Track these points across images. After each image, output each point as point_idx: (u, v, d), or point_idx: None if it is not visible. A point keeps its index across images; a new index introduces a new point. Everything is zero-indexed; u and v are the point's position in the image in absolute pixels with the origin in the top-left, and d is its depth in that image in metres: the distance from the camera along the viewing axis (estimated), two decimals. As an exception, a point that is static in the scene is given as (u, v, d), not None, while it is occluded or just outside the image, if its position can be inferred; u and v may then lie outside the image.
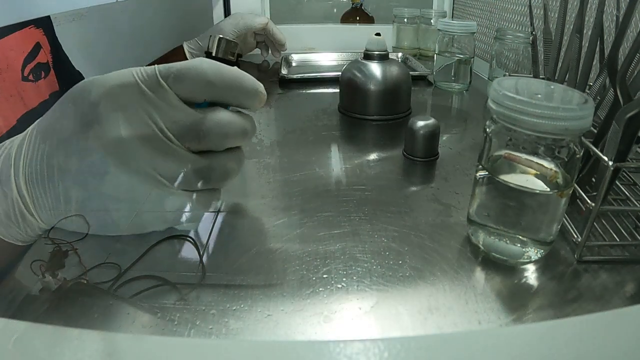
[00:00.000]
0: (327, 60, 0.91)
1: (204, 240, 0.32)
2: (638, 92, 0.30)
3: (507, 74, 0.62)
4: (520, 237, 0.29)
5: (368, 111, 0.57)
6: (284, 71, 0.76)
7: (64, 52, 0.57)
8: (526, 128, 0.25)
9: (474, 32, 0.68)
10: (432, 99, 0.69)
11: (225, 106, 0.31)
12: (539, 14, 0.66)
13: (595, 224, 0.29)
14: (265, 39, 0.88)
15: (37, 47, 0.50)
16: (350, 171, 0.43)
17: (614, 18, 0.40)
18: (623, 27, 0.28)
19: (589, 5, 0.40)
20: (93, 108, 0.28)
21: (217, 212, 0.35)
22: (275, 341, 0.22)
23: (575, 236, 0.30)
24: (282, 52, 0.89)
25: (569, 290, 0.27)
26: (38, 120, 0.30)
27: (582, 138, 0.28)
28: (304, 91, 0.71)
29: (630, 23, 0.38)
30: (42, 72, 0.50)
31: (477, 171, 0.30)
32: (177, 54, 0.77)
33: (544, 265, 0.29)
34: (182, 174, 0.29)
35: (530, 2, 0.57)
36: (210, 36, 0.34)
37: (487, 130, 0.29)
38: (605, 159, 0.27)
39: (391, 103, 0.57)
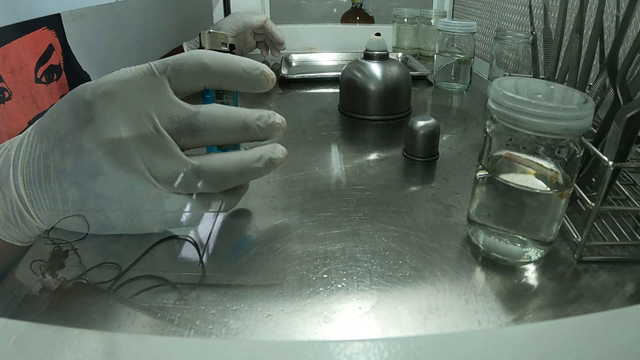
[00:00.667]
0: (327, 60, 0.91)
1: (204, 240, 0.32)
2: (638, 92, 0.30)
3: (507, 74, 0.62)
4: (520, 237, 0.29)
5: (368, 111, 0.57)
6: (284, 71, 0.76)
7: (73, 54, 0.57)
8: (526, 128, 0.25)
9: (474, 32, 0.68)
10: (432, 99, 0.69)
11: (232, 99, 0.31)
12: (539, 14, 0.66)
13: (595, 224, 0.29)
14: (264, 38, 0.88)
15: (50, 49, 0.50)
16: (350, 171, 0.43)
17: (614, 18, 0.40)
18: (623, 27, 0.28)
19: (589, 5, 0.40)
20: (88, 107, 0.28)
21: (217, 212, 0.35)
22: (275, 341, 0.22)
23: (575, 236, 0.30)
24: (281, 50, 0.89)
25: (569, 290, 0.27)
26: (37, 120, 0.30)
27: (582, 138, 0.28)
28: (304, 91, 0.71)
29: (630, 23, 0.38)
30: (55, 74, 0.51)
31: (477, 171, 0.30)
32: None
33: (544, 265, 0.29)
34: (174, 174, 0.29)
35: (530, 2, 0.57)
36: (200, 33, 0.34)
37: (487, 130, 0.29)
38: (605, 159, 0.27)
39: (391, 103, 0.57)
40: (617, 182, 0.34)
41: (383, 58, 0.57)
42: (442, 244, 0.31)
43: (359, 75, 0.57)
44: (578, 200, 0.31)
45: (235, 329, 0.24)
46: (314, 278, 0.28)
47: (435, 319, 0.25)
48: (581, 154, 0.27)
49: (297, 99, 0.68)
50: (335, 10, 1.33)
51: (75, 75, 0.56)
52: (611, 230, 0.31)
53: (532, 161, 0.27)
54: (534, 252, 0.29)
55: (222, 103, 0.32)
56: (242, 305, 0.26)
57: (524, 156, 0.27)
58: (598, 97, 0.35)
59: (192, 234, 0.32)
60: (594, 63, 0.35)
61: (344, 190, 0.39)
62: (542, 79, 0.44)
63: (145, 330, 0.24)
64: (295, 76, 0.74)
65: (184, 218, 0.32)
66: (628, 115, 0.27)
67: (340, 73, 0.60)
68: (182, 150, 0.29)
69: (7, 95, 0.42)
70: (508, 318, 0.25)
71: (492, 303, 0.26)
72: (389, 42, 0.88)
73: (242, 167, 0.30)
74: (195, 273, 0.28)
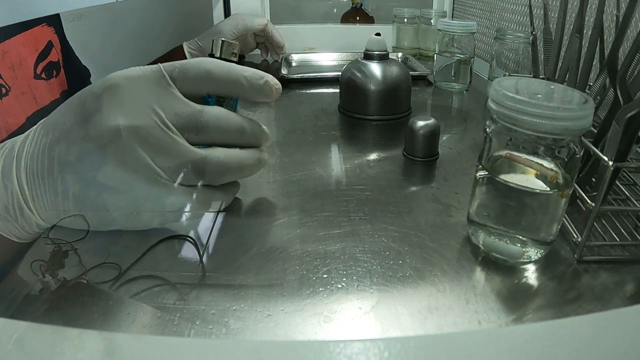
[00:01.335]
0: (327, 60, 0.91)
1: (204, 240, 0.32)
2: (638, 92, 0.30)
3: (507, 74, 0.62)
4: (520, 237, 0.29)
5: (368, 111, 0.57)
6: (284, 71, 0.76)
7: (72, 51, 0.57)
8: (526, 128, 0.25)
9: (474, 32, 0.68)
10: (432, 99, 0.69)
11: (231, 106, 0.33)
12: (539, 14, 0.66)
13: (595, 224, 0.29)
14: (265, 40, 0.88)
15: (49, 46, 0.50)
16: (350, 171, 0.43)
17: (614, 18, 0.40)
18: (623, 27, 0.28)
19: (589, 5, 0.40)
20: (96, 99, 0.28)
21: (217, 212, 0.35)
22: (275, 341, 0.22)
23: (575, 236, 0.30)
24: (281, 54, 0.89)
25: (569, 290, 0.27)
26: (45, 117, 0.30)
27: (582, 138, 0.28)
28: (304, 91, 0.71)
29: (630, 23, 0.38)
30: (54, 71, 0.51)
31: (477, 171, 0.30)
32: (177, 54, 0.77)
33: (544, 265, 0.29)
34: (181, 164, 0.30)
35: (530, 2, 0.57)
36: (213, 40, 0.35)
37: (487, 130, 0.29)
38: (605, 159, 0.27)
39: (391, 103, 0.57)
40: (617, 182, 0.34)
41: (383, 58, 0.57)
42: (442, 244, 0.31)
43: (359, 75, 0.57)
44: (578, 200, 0.31)
45: (235, 329, 0.24)
46: (314, 278, 0.28)
47: (435, 319, 0.25)
48: (581, 154, 0.27)
49: (297, 99, 0.68)
50: (335, 10, 1.32)
51: (75, 71, 0.56)
52: (611, 230, 0.31)
53: (532, 161, 0.27)
54: (534, 252, 0.29)
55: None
56: (242, 305, 0.26)
57: (524, 156, 0.27)
58: (598, 97, 0.35)
59: (192, 234, 0.32)
60: (594, 63, 0.35)
61: (344, 190, 0.39)
62: (542, 79, 0.44)
63: (145, 330, 0.24)
64: (295, 76, 0.74)
65: (184, 217, 0.32)
66: (628, 115, 0.27)
67: (340, 73, 0.60)
68: None
69: (4, 91, 0.42)
70: (508, 318, 0.25)
71: (492, 303, 0.26)
72: (389, 42, 0.88)
73: (242, 162, 0.32)
74: (195, 273, 0.28)
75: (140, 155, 0.28)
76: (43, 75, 0.48)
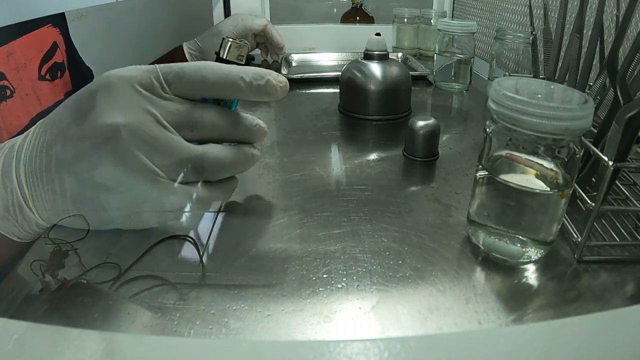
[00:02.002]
0: (327, 60, 0.91)
1: (204, 240, 0.32)
2: (638, 92, 0.30)
3: (507, 74, 0.62)
4: (520, 237, 0.29)
5: (368, 111, 0.57)
6: (284, 71, 0.76)
7: (77, 52, 0.57)
8: (526, 128, 0.25)
9: (474, 32, 0.68)
10: (432, 99, 0.69)
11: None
12: (539, 14, 0.66)
13: (595, 224, 0.29)
14: (265, 40, 0.88)
15: (54, 47, 0.50)
16: (350, 171, 0.43)
17: (614, 18, 0.40)
18: (623, 27, 0.28)
19: (589, 5, 0.40)
20: (91, 96, 0.28)
21: (217, 212, 0.35)
22: (275, 341, 0.22)
23: (575, 236, 0.30)
24: (280, 54, 0.89)
25: (569, 290, 0.27)
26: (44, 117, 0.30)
27: (582, 138, 0.28)
28: (304, 91, 0.71)
29: (630, 23, 0.38)
30: (59, 72, 0.51)
31: (477, 171, 0.30)
32: (176, 55, 0.77)
33: (544, 265, 0.29)
34: (179, 162, 0.29)
35: (530, 2, 0.57)
36: (223, 39, 0.34)
37: (487, 130, 0.29)
38: (605, 159, 0.27)
39: (391, 103, 0.57)
40: (617, 182, 0.34)
41: (383, 58, 0.57)
42: (442, 244, 0.31)
43: (359, 75, 0.57)
44: (578, 200, 0.31)
45: (235, 329, 0.24)
46: (314, 278, 0.28)
47: (435, 319, 0.25)
48: (581, 154, 0.27)
49: (297, 99, 0.68)
50: (335, 10, 1.32)
51: (79, 72, 0.56)
52: (611, 230, 0.31)
53: (532, 161, 0.27)
54: (534, 252, 0.29)
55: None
56: (242, 305, 0.26)
57: (524, 156, 0.27)
58: (598, 97, 0.35)
59: (192, 234, 0.32)
60: (594, 63, 0.35)
61: (344, 190, 0.39)
62: (542, 79, 0.44)
63: (145, 330, 0.24)
64: (295, 76, 0.74)
65: (184, 217, 0.32)
66: (628, 115, 0.27)
67: (340, 73, 0.60)
68: None
69: (8, 93, 0.42)
70: (508, 318, 0.25)
71: (492, 303, 0.26)
72: (389, 42, 0.88)
73: (237, 158, 0.32)
74: (195, 273, 0.28)
75: (136, 154, 0.28)
76: (47, 77, 0.48)
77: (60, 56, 0.51)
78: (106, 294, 0.26)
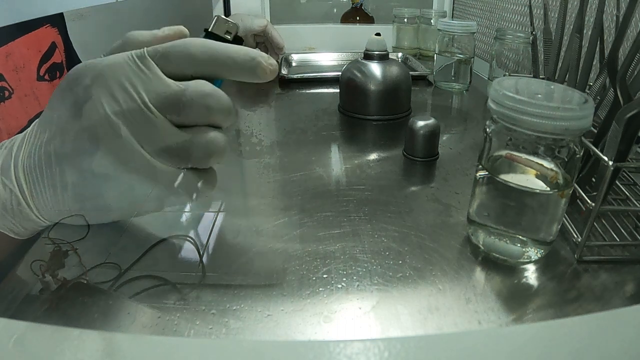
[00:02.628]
0: (327, 60, 0.91)
1: (204, 240, 0.32)
2: (638, 92, 0.30)
3: (507, 74, 0.62)
4: (520, 237, 0.29)
5: (368, 111, 0.57)
6: (284, 71, 0.76)
7: (75, 52, 0.57)
8: (526, 128, 0.25)
9: (474, 32, 0.68)
10: (432, 99, 0.69)
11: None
12: (539, 14, 0.66)
13: (595, 224, 0.29)
14: (264, 40, 0.88)
15: (53, 47, 0.50)
16: (350, 171, 0.43)
17: (614, 18, 0.40)
18: (623, 27, 0.28)
19: (589, 5, 0.40)
20: (86, 90, 0.28)
21: (217, 212, 0.35)
22: (275, 341, 0.22)
23: (575, 236, 0.30)
24: (280, 54, 0.89)
25: (569, 290, 0.27)
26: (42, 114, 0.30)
27: (582, 138, 0.28)
28: (304, 91, 0.71)
29: (630, 23, 0.38)
30: (57, 72, 0.51)
31: (477, 171, 0.30)
32: None
33: (544, 265, 0.29)
34: (165, 147, 0.29)
35: (530, 2, 0.57)
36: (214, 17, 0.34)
37: (487, 130, 0.29)
38: (605, 159, 0.27)
39: (391, 103, 0.57)
40: (617, 182, 0.34)
41: (383, 58, 0.57)
42: (442, 244, 0.31)
43: (359, 75, 0.57)
44: (578, 200, 0.31)
45: (235, 329, 0.24)
46: (314, 278, 0.28)
47: (435, 319, 0.25)
48: (581, 154, 0.27)
49: (297, 99, 0.68)
50: (335, 10, 1.32)
51: None
52: (611, 230, 0.31)
53: (532, 161, 0.27)
54: (534, 252, 0.29)
55: None
56: (242, 305, 0.26)
57: (524, 156, 0.27)
58: (598, 97, 0.35)
59: (192, 234, 0.32)
60: (594, 63, 0.35)
61: (344, 190, 0.39)
62: (542, 79, 0.44)
63: (145, 330, 0.24)
64: (295, 76, 0.74)
65: (184, 217, 0.32)
66: (628, 115, 0.27)
67: (340, 73, 0.60)
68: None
69: (7, 94, 0.42)
70: (508, 318, 0.25)
71: (492, 303, 0.26)
72: (389, 42, 0.88)
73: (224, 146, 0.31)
74: (195, 273, 0.28)
75: (128, 140, 0.28)
76: (46, 77, 0.48)
77: (59, 56, 0.51)
78: (106, 294, 0.26)
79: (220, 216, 0.35)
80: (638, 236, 0.31)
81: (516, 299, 0.26)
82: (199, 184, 0.31)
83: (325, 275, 0.28)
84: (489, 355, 0.15)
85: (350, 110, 0.58)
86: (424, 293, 0.27)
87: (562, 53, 0.39)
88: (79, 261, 0.28)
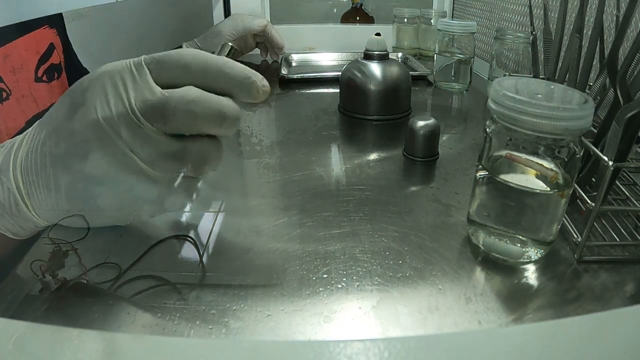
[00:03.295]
0: (327, 60, 0.91)
1: (204, 240, 0.32)
2: (638, 92, 0.30)
3: (507, 74, 0.62)
4: (520, 237, 0.29)
5: (368, 111, 0.57)
6: (283, 71, 0.76)
7: (74, 53, 0.57)
8: (526, 128, 0.25)
9: (474, 32, 0.68)
10: (432, 99, 0.69)
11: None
12: (539, 14, 0.66)
13: (595, 224, 0.29)
14: (264, 40, 0.88)
15: (51, 48, 0.50)
16: (350, 171, 0.43)
17: (614, 18, 0.40)
18: (623, 27, 0.28)
19: (589, 5, 0.40)
20: (83, 93, 0.28)
21: (217, 212, 0.35)
22: (275, 341, 0.22)
23: (575, 236, 0.30)
24: (280, 54, 0.89)
25: (569, 290, 0.27)
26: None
27: (582, 138, 0.28)
28: (304, 91, 0.71)
29: (630, 23, 0.38)
30: (56, 73, 0.51)
31: (477, 171, 0.30)
32: None
33: (544, 265, 0.29)
34: (155, 154, 0.29)
35: (530, 2, 0.57)
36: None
37: (487, 130, 0.29)
38: (605, 159, 0.27)
39: (391, 103, 0.57)
40: (617, 182, 0.34)
41: (383, 58, 0.57)
42: (442, 244, 0.31)
43: (359, 75, 0.57)
44: (578, 200, 0.31)
45: (235, 329, 0.24)
46: (314, 278, 0.28)
47: (435, 319, 0.25)
48: (581, 154, 0.27)
49: (297, 99, 0.68)
50: (335, 10, 1.32)
51: (76, 73, 0.56)
52: (611, 230, 0.31)
53: (532, 161, 0.27)
54: (534, 252, 0.29)
55: None
56: (242, 305, 0.26)
57: (524, 156, 0.27)
58: (598, 97, 0.35)
59: (192, 234, 0.32)
60: (594, 63, 0.35)
61: (344, 190, 0.39)
62: (542, 79, 0.44)
63: (145, 330, 0.24)
64: (295, 76, 0.74)
65: (183, 217, 0.32)
66: (628, 115, 0.27)
67: (340, 73, 0.60)
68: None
69: (5, 95, 0.42)
70: (508, 318, 0.25)
71: (492, 303, 0.26)
72: (389, 42, 0.88)
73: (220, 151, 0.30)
74: (195, 273, 0.28)
75: (118, 146, 0.28)
76: (44, 78, 0.48)
77: (57, 57, 0.51)
78: (106, 294, 0.26)
79: (220, 216, 0.35)
80: (638, 236, 0.31)
81: (516, 299, 0.26)
82: (198, 185, 0.31)
83: (325, 275, 0.28)
84: (489, 355, 0.15)
85: (350, 110, 0.58)
86: (424, 293, 0.27)
87: (562, 53, 0.39)
88: (79, 261, 0.28)
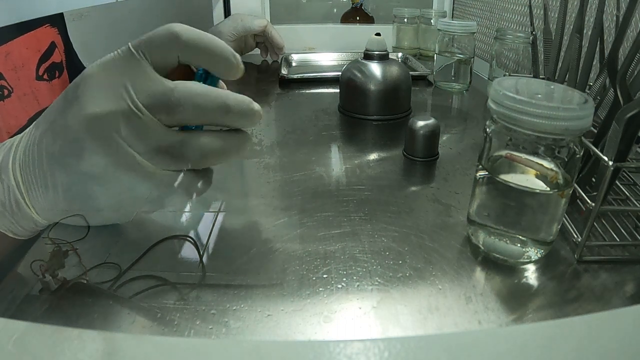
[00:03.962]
0: (327, 60, 0.91)
1: (204, 240, 0.32)
2: (638, 92, 0.30)
3: (507, 74, 0.62)
4: (520, 237, 0.29)
5: (368, 111, 0.57)
6: (283, 71, 0.76)
7: (74, 52, 0.57)
8: (526, 128, 0.25)
9: (474, 32, 0.68)
10: (432, 99, 0.69)
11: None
12: (539, 14, 0.66)
13: (595, 224, 0.29)
14: (264, 40, 0.88)
15: (52, 47, 0.50)
16: (350, 171, 0.43)
17: (614, 18, 0.40)
18: (623, 27, 0.28)
19: (589, 5, 0.40)
20: (76, 88, 0.28)
21: (217, 212, 0.35)
22: (275, 341, 0.22)
23: (575, 236, 0.30)
24: (280, 54, 0.89)
25: (569, 290, 0.27)
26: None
27: (582, 138, 0.28)
28: (304, 91, 0.71)
29: (630, 23, 0.38)
30: (57, 72, 0.51)
31: (477, 171, 0.30)
32: None
33: (544, 265, 0.29)
34: (155, 148, 0.28)
35: (530, 2, 0.57)
36: None
37: (487, 130, 0.29)
38: (605, 159, 0.27)
39: (391, 103, 0.57)
40: (617, 182, 0.34)
41: (383, 58, 0.57)
42: (442, 244, 0.31)
43: (359, 75, 0.57)
44: (578, 200, 0.31)
45: (235, 329, 0.24)
46: (314, 278, 0.28)
47: (435, 319, 0.25)
48: (581, 154, 0.27)
49: (297, 99, 0.68)
50: (335, 10, 1.32)
51: (77, 72, 0.56)
52: (611, 230, 0.31)
53: (532, 161, 0.27)
54: (534, 252, 0.29)
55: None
56: (242, 305, 0.26)
57: (524, 156, 0.27)
58: (598, 97, 0.35)
59: (192, 234, 0.32)
60: (594, 63, 0.35)
61: (344, 190, 0.39)
62: (542, 79, 0.44)
63: (145, 330, 0.24)
64: (295, 76, 0.74)
65: (184, 217, 0.32)
66: (628, 115, 0.27)
67: (340, 73, 0.60)
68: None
69: (6, 93, 0.42)
70: (508, 318, 0.25)
71: (492, 303, 0.26)
72: (389, 42, 0.88)
73: (225, 144, 0.30)
74: (195, 273, 0.28)
75: (116, 141, 0.28)
76: (45, 77, 0.48)
77: (58, 56, 0.51)
78: (106, 294, 0.26)
79: (220, 216, 0.35)
80: (638, 236, 0.31)
81: (516, 299, 0.26)
82: (198, 184, 0.31)
83: (325, 275, 0.28)
84: (489, 355, 0.15)
85: (350, 110, 0.58)
86: (424, 293, 0.27)
87: (562, 53, 0.39)
88: (79, 261, 0.28)
